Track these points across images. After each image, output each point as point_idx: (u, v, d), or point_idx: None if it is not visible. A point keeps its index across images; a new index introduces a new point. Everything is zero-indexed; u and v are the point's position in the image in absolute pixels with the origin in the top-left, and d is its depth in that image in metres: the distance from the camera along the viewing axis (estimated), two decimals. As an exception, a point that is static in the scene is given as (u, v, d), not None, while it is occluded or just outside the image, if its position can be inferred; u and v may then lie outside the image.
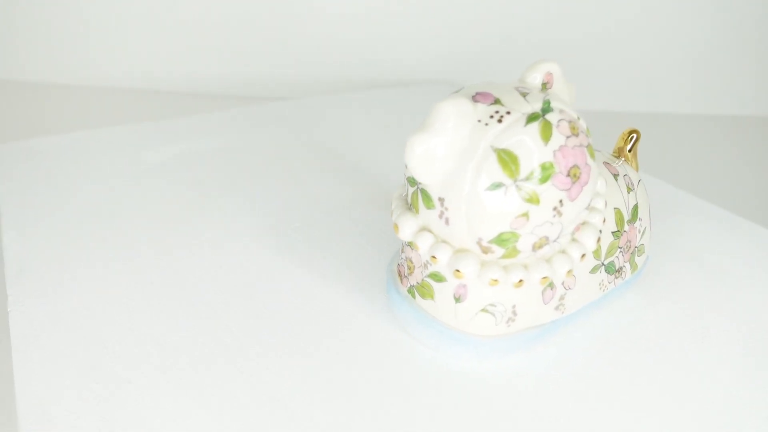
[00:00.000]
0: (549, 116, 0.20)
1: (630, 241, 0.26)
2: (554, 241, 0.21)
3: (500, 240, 0.20)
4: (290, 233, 0.31)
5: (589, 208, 0.23)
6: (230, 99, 0.57)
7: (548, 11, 0.57)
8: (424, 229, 0.22)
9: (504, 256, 0.21)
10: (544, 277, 0.21)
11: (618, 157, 0.28)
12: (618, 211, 0.25)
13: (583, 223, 0.23)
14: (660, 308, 0.28)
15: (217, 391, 0.22)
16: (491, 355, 0.23)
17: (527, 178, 0.19)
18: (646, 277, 0.29)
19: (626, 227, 0.26)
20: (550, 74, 0.22)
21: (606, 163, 0.26)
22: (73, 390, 0.21)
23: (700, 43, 0.57)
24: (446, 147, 0.20)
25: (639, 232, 0.27)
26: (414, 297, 0.24)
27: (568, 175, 0.20)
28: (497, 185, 0.20)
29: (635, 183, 0.27)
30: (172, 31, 0.56)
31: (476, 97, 0.21)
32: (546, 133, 0.20)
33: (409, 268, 0.24)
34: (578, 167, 0.20)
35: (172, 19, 0.56)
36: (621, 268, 0.26)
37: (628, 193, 0.26)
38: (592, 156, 0.21)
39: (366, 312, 0.26)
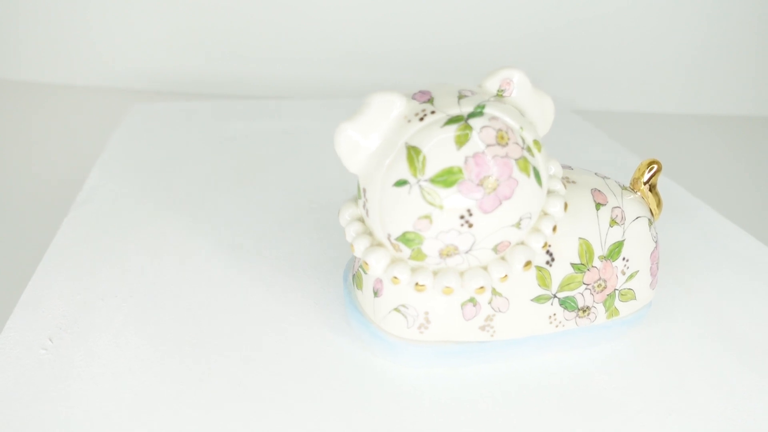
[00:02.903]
0: (473, 121, 0.19)
1: (605, 281, 0.23)
2: (466, 252, 0.20)
3: (405, 239, 0.20)
4: (287, 223, 0.34)
5: (533, 228, 0.21)
6: (233, 99, 0.58)
7: (548, 11, 0.57)
8: (359, 219, 0.23)
9: (412, 257, 0.21)
10: (447, 287, 0.20)
11: (632, 189, 0.25)
12: (585, 243, 0.23)
13: (521, 243, 0.21)
14: (638, 366, 0.24)
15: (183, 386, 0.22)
16: (404, 358, 0.23)
17: (431, 180, 0.19)
18: (644, 328, 0.26)
19: (597, 263, 0.23)
20: (508, 81, 0.21)
21: (596, 190, 0.24)
22: (73, 312, 0.26)
23: (700, 44, 0.57)
24: (370, 138, 0.20)
25: (621, 273, 0.23)
26: (354, 285, 0.25)
27: (480, 184, 0.19)
28: (402, 182, 0.19)
29: (629, 219, 0.24)
30: (172, 32, 0.58)
31: (415, 95, 0.21)
32: (461, 138, 0.19)
33: (356, 258, 0.25)
34: (494, 178, 0.19)
35: (172, 20, 0.58)
36: (588, 308, 0.23)
37: (611, 226, 0.23)
38: (525, 171, 0.20)
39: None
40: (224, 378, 0.22)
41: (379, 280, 0.22)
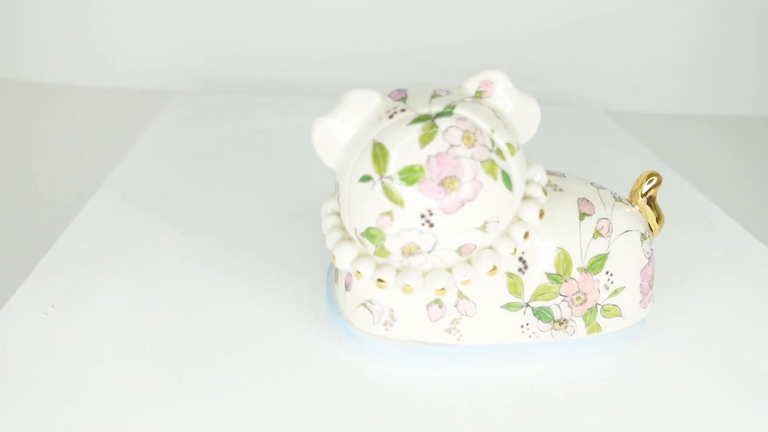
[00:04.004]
0: (440, 120, 0.19)
1: (585, 294, 0.22)
2: (429, 252, 0.20)
3: (369, 235, 0.20)
4: (282, 216, 0.34)
5: (504, 233, 0.21)
6: (233, 98, 0.56)
7: (548, 11, 0.57)
8: (337, 213, 0.23)
9: (376, 253, 0.21)
10: (407, 286, 0.20)
11: (630, 201, 0.24)
12: (563, 253, 0.22)
13: (489, 247, 0.21)
14: (623, 384, 0.23)
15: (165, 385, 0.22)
16: (371, 354, 0.23)
17: (393, 177, 0.19)
18: (635, 344, 0.25)
19: (575, 275, 0.22)
20: (487, 83, 0.21)
21: (583, 200, 0.23)
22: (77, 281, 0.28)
23: (700, 44, 0.57)
24: (344, 132, 0.21)
25: (604, 287, 0.22)
26: (333, 279, 0.25)
27: (441, 184, 0.19)
28: (367, 178, 0.20)
29: (617, 232, 0.22)
30: (171, 32, 0.58)
31: (392, 93, 0.21)
32: (426, 137, 0.19)
33: (338, 251, 0.25)
34: (456, 179, 0.19)
35: (172, 20, 0.57)
36: (565, 320, 0.23)
37: (594, 238, 0.22)
38: (492, 173, 0.19)
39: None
40: (210, 370, 0.23)
41: (350, 274, 0.22)
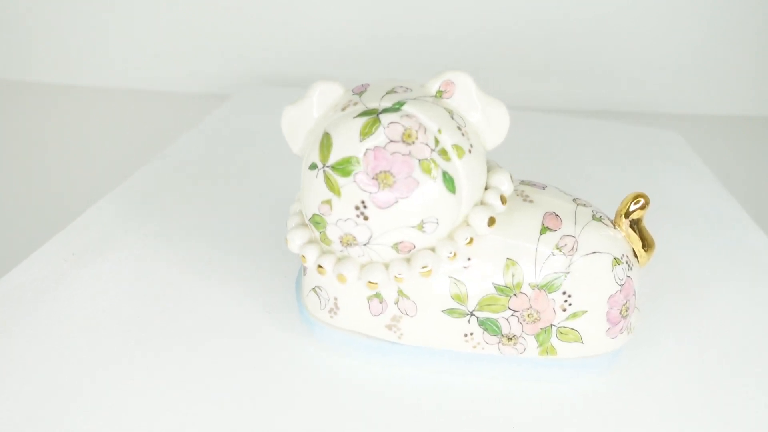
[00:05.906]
0: (385, 116, 0.19)
1: (537, 312, 0.21)
2: (365, 245, 0.20)
3: (314, 221, 0.21)
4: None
5: (448, 236, 0.20)
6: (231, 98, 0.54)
7: (547, 11, 0.55)
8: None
9: (321, 240, 0.21)
10: (341, 275, 0.20)
11: (614, 224, 0.23)
12: (512, 264, 0.21)
13: (431, 248, 0.20)
14: (591, 412, 0.22)
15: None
16: (318, 338, 0.23)
17: (333, 167, 0.20)
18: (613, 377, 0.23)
19: (527, 290, 0.21)
20: (449, 83, 0.20)
21: (551, 214, 0.22)
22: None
23: (700, 44, 0.57)
24: (307, 121, 0.22)
25: (560, 308, 0.21)
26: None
27: (375, 178, 0.19)
28: (313, 166, 0.20)
29: (582, 251, 0.21)
30: (172, 31, 0.57)
31: (355, 87, 0.21)
32: (366, 130, 0.19)
33: (313, 238, 0.26)
34: (391, 175, 0.19)
35: (172, 20, 0.56)
36: (515, 336, 0.22)
37: (553, 254, 0.21)
38: (429, 173, 0.19)
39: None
40: (193, 361, 0.24)
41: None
